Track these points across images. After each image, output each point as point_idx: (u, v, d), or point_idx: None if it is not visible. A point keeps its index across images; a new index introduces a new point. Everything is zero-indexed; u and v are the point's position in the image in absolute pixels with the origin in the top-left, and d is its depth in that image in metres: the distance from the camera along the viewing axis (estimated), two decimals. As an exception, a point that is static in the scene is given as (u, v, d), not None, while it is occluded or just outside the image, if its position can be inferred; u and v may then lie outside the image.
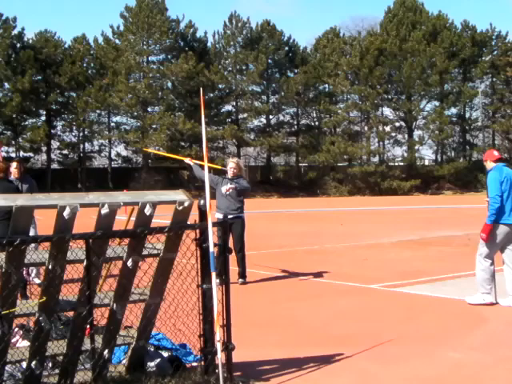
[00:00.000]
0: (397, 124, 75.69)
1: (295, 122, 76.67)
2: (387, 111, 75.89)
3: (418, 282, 12.61)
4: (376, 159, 75.00)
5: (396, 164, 75.39)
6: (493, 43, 77.75)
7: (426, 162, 77.68)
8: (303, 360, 7.14)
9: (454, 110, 77.17)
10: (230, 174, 12.86)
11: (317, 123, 76.36)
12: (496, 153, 10.99)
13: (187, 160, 13.50)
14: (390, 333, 8.53)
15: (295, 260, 16.02)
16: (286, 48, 75.01)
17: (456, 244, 18.95)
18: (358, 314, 9.89)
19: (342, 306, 10.59)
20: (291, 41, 75.81)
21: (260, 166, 76.80)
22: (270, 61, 73.02)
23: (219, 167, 13.93)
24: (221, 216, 11.79)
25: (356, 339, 8.19)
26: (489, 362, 7.26)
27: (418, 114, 74.56)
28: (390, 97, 75.25)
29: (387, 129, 74.93)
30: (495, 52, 77.48)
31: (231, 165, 12.92)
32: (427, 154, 77.82)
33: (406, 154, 74.66)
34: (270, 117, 75.01)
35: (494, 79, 77.86)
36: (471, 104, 78.38)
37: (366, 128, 74.68)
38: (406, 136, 75.21)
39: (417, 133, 75.45)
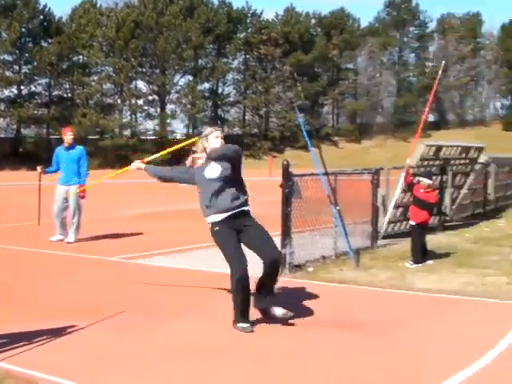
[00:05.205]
0: (150, 97, 76.00)
1: (47, 93, 74.61)
2: (141, 84, 76.06)
3: (157, 253, 12.82)
4: (128, 132, 74.75)
5: (148, 137, 75.47)
6: (248, 21, 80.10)
7: (178, 136, 78.63)
8: (35, 333, 7.00)
9: (206, 85, 78.76)
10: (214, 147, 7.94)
11: (69, 95, 74.86)
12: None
13: (136, 164, 9.03)
14: (126, 304, 8.57)
15: (32, 233, 15.61)
16: (41, 17, 72.70)
17: (200, 216, 19.33)
18: (96, 287, 9.82)
19: (81, 278, 10.46)
20: (46, 9, 73.50)
21: (9, 138, 73.89)
22: (23, 29, 70.45)
23: (183, 145, 9.13)
24: (220, 218, 7.76)
25: (93, 311, 8.12)
26: (221, 331, 7.49)
27: (171, 88, 75.24)
28: (144, 70, 75.32)
29: (140, 102, 75.07)
30: (250, 29, 79.85)
31: (217, 133, 7.99)
32: (179, 128, 78.91)
33: (157, 128, 75.04)
34: (22, 87, 72.52)
35: (248, 56, 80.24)
36: (224, 79, 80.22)
37: (118, 101, 74.29)
38: (159, 109, 75.66)
39: (169, 107, 76.35)
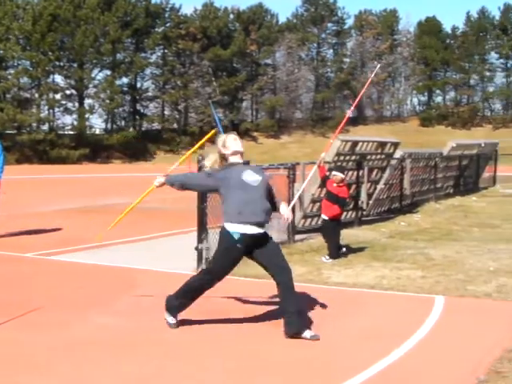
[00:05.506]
0: (68, 92, 74.93)
1: (-37, 88, 72.85)
2: (58, 79, 74.88)
3: (74, 249, 12.66)
4: (46, 127, 73.57)
5: (66, 132, 74.36)
6: (166, 15, 79.98)
7: (97, 131, 77.85)
8: None
9: (125, 80, 78.24)
10: (238, 155, 7.26)
11: (-14, 89, 73.33)
12: None
13: (159, 179, 7.46)
14: (40, 301, 8.45)
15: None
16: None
17: (118, 211, 19.17)
18: (8, 284, 9.66)
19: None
20: (-39, 2, 71.65)
21: None
22: None
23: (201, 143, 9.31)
24: (245, 231, 7.05)
25: (3, 309, 8.00)
26: (131, 327, 7.47)
27: (89, 82, 74.39)
28: (61, 64, 74.15)
29: (58, 96, 73.84)
30: (168, 24, 79.72)
31: (234, 136, 7.38)
32: (97, 123, 78.16)
33: (76, 123, 74.05)
34: None
35: (166, 51, 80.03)
36: (142, 74, 79.89)
37: (36, 95, 72.97)
38: (77, 104, 74.69)
39: (87, 101, 75.44)
